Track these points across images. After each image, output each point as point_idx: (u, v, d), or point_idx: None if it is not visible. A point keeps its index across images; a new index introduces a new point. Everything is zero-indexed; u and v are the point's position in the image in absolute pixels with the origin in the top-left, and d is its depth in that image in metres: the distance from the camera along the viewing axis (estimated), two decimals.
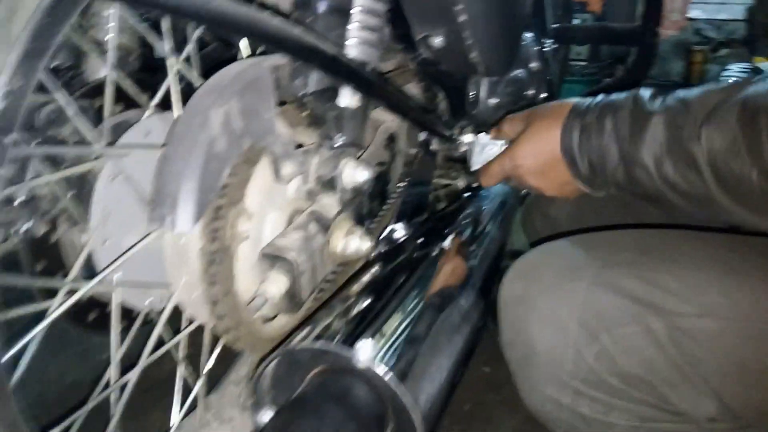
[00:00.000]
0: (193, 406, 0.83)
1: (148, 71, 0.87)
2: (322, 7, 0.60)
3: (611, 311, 0.67)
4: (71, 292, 0.60)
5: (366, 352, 0.51)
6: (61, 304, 0.59)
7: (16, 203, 0.63)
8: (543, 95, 1.31)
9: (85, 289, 0.59)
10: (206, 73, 0.62)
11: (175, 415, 0.80)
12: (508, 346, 0.77)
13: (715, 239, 0.73)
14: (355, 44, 0.65)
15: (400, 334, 0.58)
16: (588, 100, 0.76)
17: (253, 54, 0.71)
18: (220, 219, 0.60)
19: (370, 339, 0.53)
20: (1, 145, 0.42)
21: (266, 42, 0.46)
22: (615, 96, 0.73)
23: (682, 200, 0.66)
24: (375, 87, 0.66)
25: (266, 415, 0.58)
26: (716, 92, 0.64)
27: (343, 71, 0.58)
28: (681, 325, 0.64)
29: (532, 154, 0.80)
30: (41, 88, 0.61)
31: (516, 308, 0.75)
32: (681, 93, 0.68)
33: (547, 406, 0.73)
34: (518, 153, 0.81)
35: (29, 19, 0.43)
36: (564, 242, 0.79)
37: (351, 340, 0.54)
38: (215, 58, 0.95)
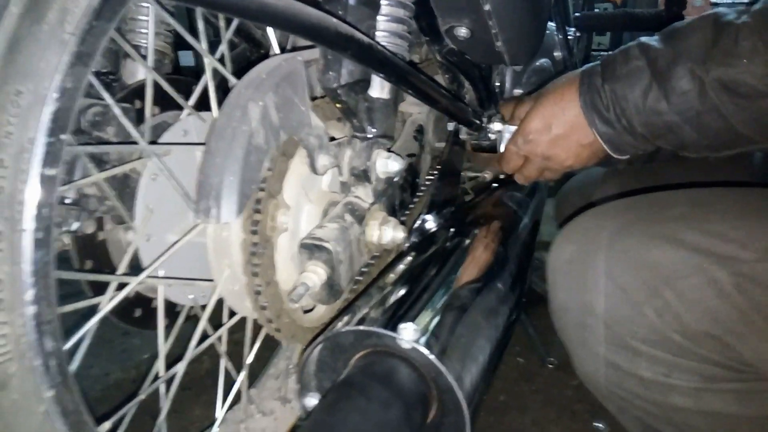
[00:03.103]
0: (235, 400, 0.85)
1: (178, 74, 0.90)
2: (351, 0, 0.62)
3: (671, 265, 0.64)
4: (121, 287, 0.63)
5: (409, 333, 0.52)
6: (111, 299, 0.62)
7: (66, 203, 0.65)
8: None
9: (136, 282, 0.61)
10: (238, 75, 0.64)
11: (219, 408, 0.82)
12: (561, 312, 0.74)
13: (762, 192, 0.71)
14: (384, 36, 0.67)
15: (440, 317, 0.59)
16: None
17: (282, 51, 0.73)
18: (260, 211, 0.62)
19: (412, 322, 0.54)
20: (58, 142, 0.44)
21: (303, 33, 0.47)
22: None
23: (731, 106, 0.62)
24: (407, 76, 0.67)
25: (312, 400, 0.60)
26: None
27: (376, 61, 0.59)
28: (744, 272, 0.62)
29: (543, 122, 0.79)
30: (85, 92, 0.63)
31: (570, 271, 0.73)
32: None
33: (602, 371, 0.70)
34: (528, 126, 0.81)
35: (78, 21, 0.45)
36: (612, 205, 0.77)
37: (392, 323, 0.55)
38: (245, 58, 0.97)
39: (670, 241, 0.65)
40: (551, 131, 0.78)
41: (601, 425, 1.13)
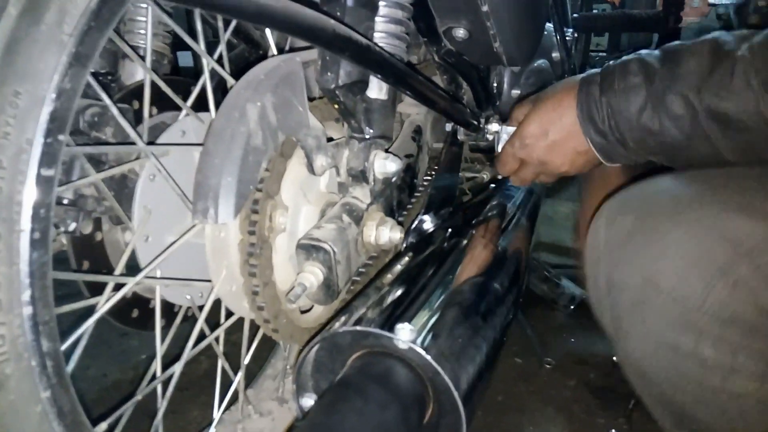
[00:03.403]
0: (232, 400, 0.85)
1: (176, 75, 0.90)
2: (349, 1, 0.62)
3: (751, 237, 0.59)
4: (118, 288, 0.63)
5: (406, 333, 0.52)
6: (109, 299, 0.62)
7: (63, 203, 0.65)
8: None
9: (133, 283, 0.61)
10: (236, 76, 0.64)
11: (216, 409, 0.82)
12: (611, 289, 0.69)
13: None
14: (383, 37, 0.67)
15: (437, 318, 0.59)
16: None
17: (280, 52, 0.73)
18: (258, 212, 0.62)
19: (409, 322, 0.54)
20: (56, 142, 0.44)
21: (301, 34, 0.47)
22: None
23: (721, 136, 0.63)
24: (405, 77, 0.67)
25: (309, 401, 0.60)
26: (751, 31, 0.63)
27: (374, 62, 0.60)
28: None
29: (540, 128, 0.79)
30: (84, 92, 0.64)
31: (628, 243, 0.67)
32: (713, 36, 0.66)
33: (659, 354, 0.65)
34: (525, 130, 0.81)
35: (77, 22, 0.46)
36: (669, 176, 0.72)
37: (389, 324, 0.55)
38: (243, 59, 0.97)
39: (747, 212, 0.61)
40: (548, 137, 0.79)
41: None
